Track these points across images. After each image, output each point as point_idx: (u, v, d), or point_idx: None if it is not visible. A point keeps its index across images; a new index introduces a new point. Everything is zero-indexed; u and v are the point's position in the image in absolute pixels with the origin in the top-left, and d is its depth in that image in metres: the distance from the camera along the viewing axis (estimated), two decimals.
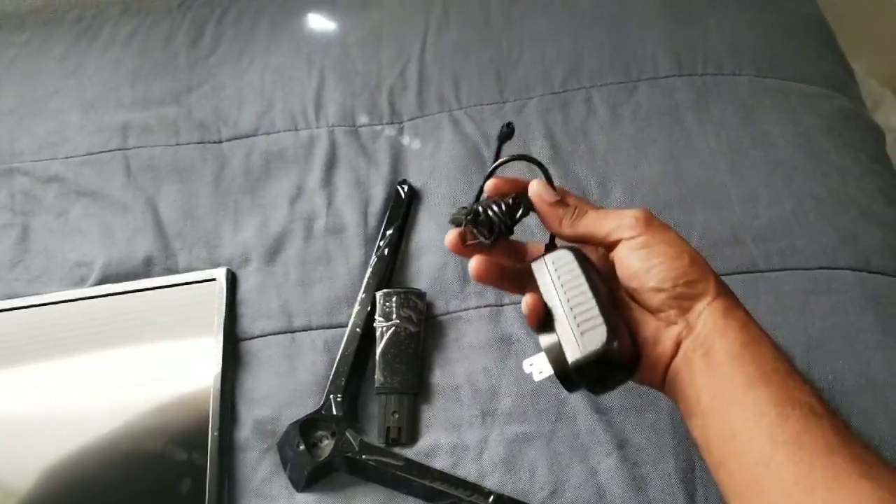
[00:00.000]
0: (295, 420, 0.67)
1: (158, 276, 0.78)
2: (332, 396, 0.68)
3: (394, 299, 0.72)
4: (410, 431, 0.68)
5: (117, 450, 0.67)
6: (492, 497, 0.63)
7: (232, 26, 0.96)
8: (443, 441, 0.67)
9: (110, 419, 0.69)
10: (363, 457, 0.65)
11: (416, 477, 0.64)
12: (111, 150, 0.86)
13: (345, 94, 0.87)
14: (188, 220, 0.80)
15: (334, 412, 0.67)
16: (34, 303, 0.76)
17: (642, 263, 0.47)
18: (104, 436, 0.68)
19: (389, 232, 0.77)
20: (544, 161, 0.74)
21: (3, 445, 0.69)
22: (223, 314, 0.74)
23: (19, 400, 0.71)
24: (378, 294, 0.72)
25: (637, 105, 0.83)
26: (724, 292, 0.47)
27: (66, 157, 0.86)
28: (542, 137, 0.82)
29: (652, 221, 0.49)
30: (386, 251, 0.75)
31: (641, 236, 0.48)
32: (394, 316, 0.71)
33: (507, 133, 0.54)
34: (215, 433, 0.67)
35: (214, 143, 0.85)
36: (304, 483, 0.65)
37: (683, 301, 0.46)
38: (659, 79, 0.85)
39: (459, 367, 0.69)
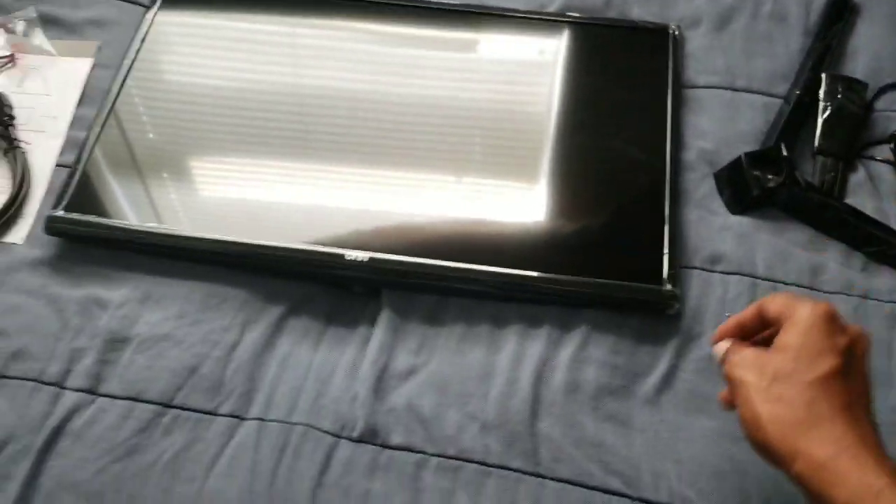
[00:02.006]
0: (747, 151, 0.77)
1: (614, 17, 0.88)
2: (781, 142, 0.77)
3: (841, 81, 0.80)
4: (841, 193, 0.77)
5: (589, 145, 0.79)
6: None
7: None
8: (868, 205, 0.76)
9: (582, 124, 0.80)
10: (809, 193, 0.74)
11: (853, 218, 0.73)
12: None
13: None
14: None
15: (784, 153, 0.76)
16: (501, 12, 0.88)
17: None
18: (585, 134, 0.80)
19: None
20: None
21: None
22: (677, 60, 0.84)
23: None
24: (824, 74, 0.81)
25: None
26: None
27: None
28: None
29: None
30: (824, 42, 0.83)
31: None
32: (839, 95, 0.80)
33: None
34: (675, 147, 0.78)
35: None
36: (744, 206, 0.76)
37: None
38: None
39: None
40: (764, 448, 0.49)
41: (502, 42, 0.87)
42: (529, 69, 0.85)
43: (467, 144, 0.81)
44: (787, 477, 0.48)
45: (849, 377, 0.49)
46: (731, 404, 0.54)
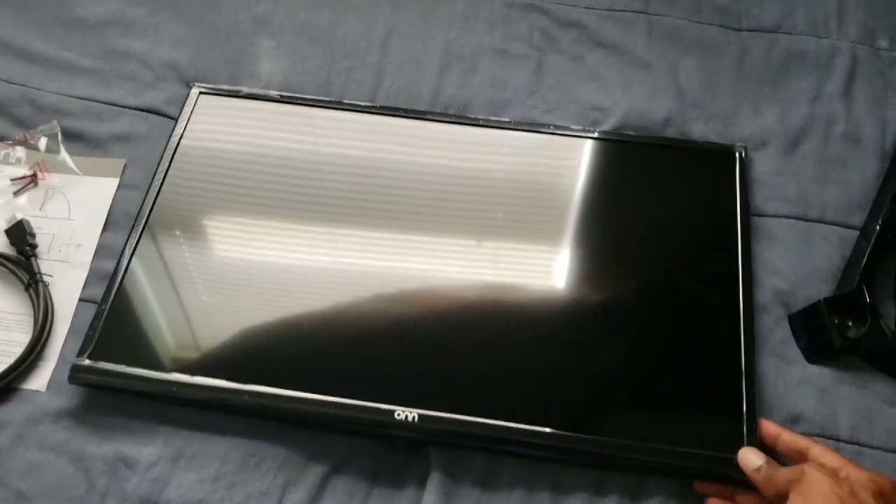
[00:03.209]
0: (827, 297, 0.71)
1: (674, 137, 0.82)
2: (864, 285, 0.71)
3: None
4: None
5: (657, 284, 0.73)
6: None
7: None
8: None
9: (647, 258, 0.75)
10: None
11: None
12: (634, 11, 0.90)
13: (867, 14, 0.89)
14: (707, 94, 0.85)
15: (867, 299, 0.70)
16: (553, 131, 0.82)
17: None
18: (651, 271, 0.74)
19: None
20: None
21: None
22: (745, 185, 0.78)
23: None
24: None
25: None
26: None
27: (588, 8, 0.91)
28: None
29: None
30: None
31: None
32: None
33: None
34: (747, 288, 0.72)
35: (734, 29, 0.89)
36: (824, 356, 0.70)
37: None
38: None
39: None
40: None
41: (552, 165, 0.82)
42: (585, 202, 0.79)
43: (528, 296, 0.75)
44: None
45: None
46: None
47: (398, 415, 0.66)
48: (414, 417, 0.65)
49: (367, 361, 0.70)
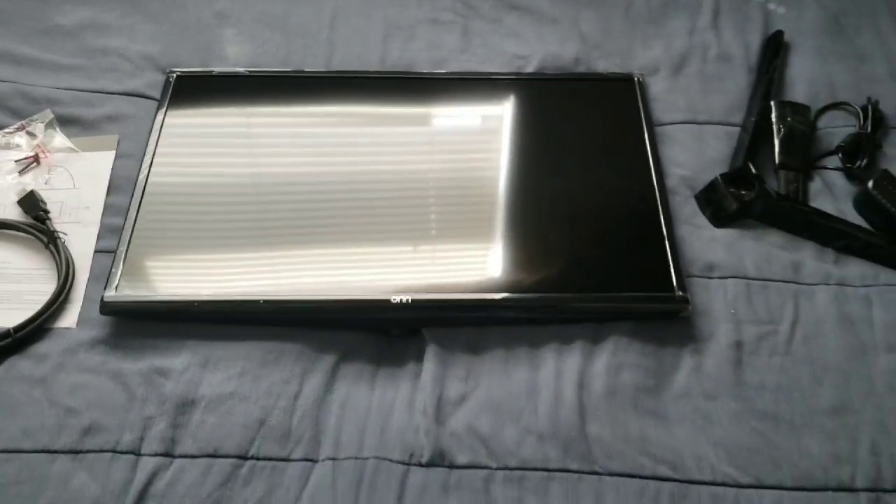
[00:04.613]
0: (722, 173, 0.89)
1: (584, 72, 1.00)
2: (748, 162, 0.89)
3: (788, 106, 0.94)
4: (804, 199, 0.89)
5: (590, 181, 0.90)
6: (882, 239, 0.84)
7: None
8: (828, 208, 0.88)
9: (578, 165, 0.91)
10: (780, 202, 0.86)
11: (820, 219, 0.85)
12: None
13: None
14: (605, 37, 1.03)
15: (753, 171, 0.88)
16: (488, 76, 0.99)
17: None
18: (583, 173, 0.91)
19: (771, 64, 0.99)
20: None
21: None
22: (646, 103, 0.96)
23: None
24: (773, 102, 0.95)
25: None
26: None
27: None
28: None
29: None
30: (767, 76, 0.97)
31: None
32: (788, 118, 0.93)
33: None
34: (659, 176, 0.89)
35: None
36: (726, 220, 0.87)
37: None
38: None
39: None
40: None
41: (491, 104, 0.98)
42: (523, 125, 0.95)
43: (489, 202, 0.89)
44: None
45: None
46: None
47: (394, 300, 0.78)
48: (408, 300, 0.78)
49: (361, 261, 0.83)
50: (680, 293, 0.79)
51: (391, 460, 0.71)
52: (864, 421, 0.74)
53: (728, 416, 0.74)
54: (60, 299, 0.80)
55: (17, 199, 0.86)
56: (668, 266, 0.81)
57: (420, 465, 0.71)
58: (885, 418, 0.74)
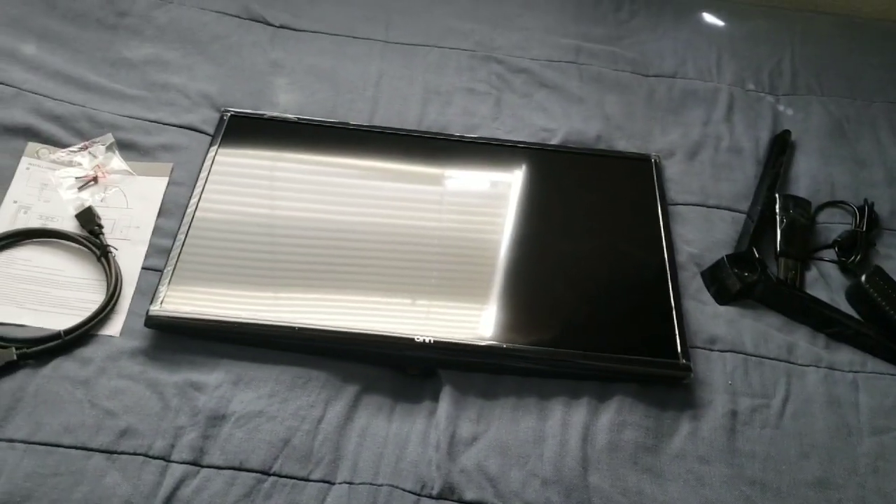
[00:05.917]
0: (728, 254, 0.96)
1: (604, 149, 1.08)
2: (753, 247, 0.97)
3: (791, 200, 1.02)
4: (801, 286, 0.97)
5: (606, 250, 0.97)
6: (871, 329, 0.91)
7: (643, 7, 1.30)
8: (823, 296, 0.96)
9: (596, 234, 0.99)
10: (780, 287, 0.94)
11: (815, 306, 0.92)
12: (567, 62, 1.18)
13: (738, 66, 1.20)
14: (627, 120, 1.12)
15: (756, 255, 0.96)
16: (515, 144, 1.07)
17: None
18: (600, 243, 0.98)
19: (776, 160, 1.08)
20: None
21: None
22: (661, 182, 1.04)
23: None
24: (777, 194, 1.03)
25: None
26: None
27: (533, 59, 1.18)
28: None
29: None
30: (774, 170, 1.06)
31: None
32: (790, 210, 1.01)
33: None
34: (670, 251, 0.97)
35: (643, 75, 1.18)
36: (728, 298, 0.94)
37: None
38: None
39: None
40: None
41: (518, 170, 1.05)
42: (546, 192, 1.02)
43: (513, 260, 0.96)
44: None
45: None
46: None
47: (418, 339, 0.84)
48: (431, 340, 0.84)
49: (389, 300, 0.89)
50: (684, 361, 0.86)
51: (403, 489, 0.76)
52: (847, 497, 0.79)
53: (720, 479, 0.80)
54: (108, 308, 0.85)
55: (75, 212, 0.92)
56: (675, 335, 0.88)
57: (430, 496, 0.76)
58: (866, 496, 0.80)
